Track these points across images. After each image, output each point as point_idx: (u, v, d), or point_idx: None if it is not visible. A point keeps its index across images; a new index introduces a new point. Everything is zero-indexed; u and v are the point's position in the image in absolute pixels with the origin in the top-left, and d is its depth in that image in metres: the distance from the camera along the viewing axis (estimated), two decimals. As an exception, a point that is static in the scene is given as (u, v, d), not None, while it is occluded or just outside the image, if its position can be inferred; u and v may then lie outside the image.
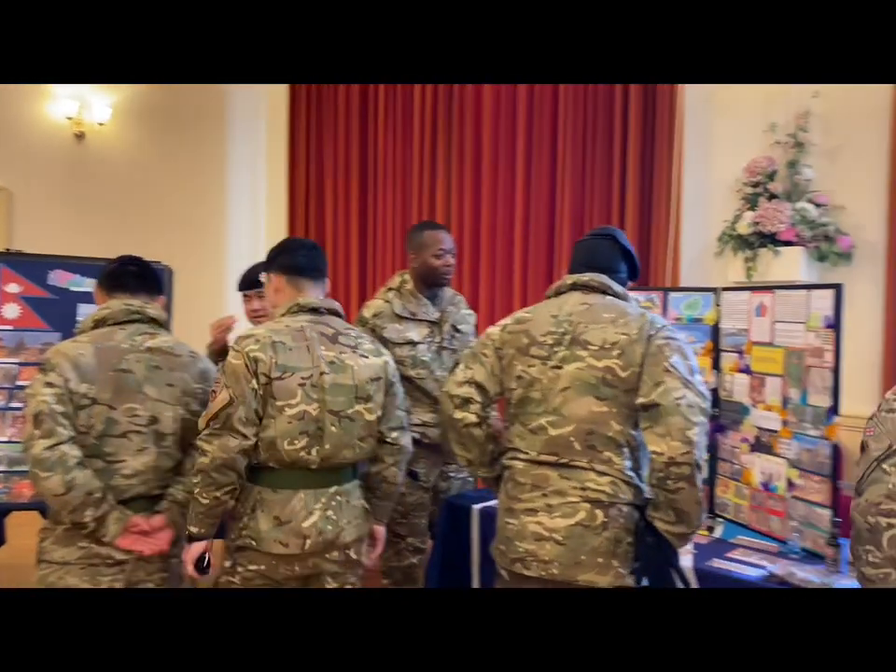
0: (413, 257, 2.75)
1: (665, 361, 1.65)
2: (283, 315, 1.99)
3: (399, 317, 2.71)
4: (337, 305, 2.07)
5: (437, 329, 2.78)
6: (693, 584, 2.02)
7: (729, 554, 2.27)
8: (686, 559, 2.18)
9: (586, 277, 1.85)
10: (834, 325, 2.25)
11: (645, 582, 1.67)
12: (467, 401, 1.85)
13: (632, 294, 2.76)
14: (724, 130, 3.62)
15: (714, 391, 2.71)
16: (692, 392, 1.63)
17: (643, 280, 3.60)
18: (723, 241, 3.47)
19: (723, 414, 2.68)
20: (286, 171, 5.27)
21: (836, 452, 2.24)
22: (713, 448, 2.71)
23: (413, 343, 2.71)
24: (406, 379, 2.74)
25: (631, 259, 1.92)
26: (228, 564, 1.93)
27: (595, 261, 1.87)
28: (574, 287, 1.86)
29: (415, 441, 2.75)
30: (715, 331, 2.71)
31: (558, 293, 1.88)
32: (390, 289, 2.78)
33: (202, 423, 1.87)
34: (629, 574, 1.69)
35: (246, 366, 1.85)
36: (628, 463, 1.73)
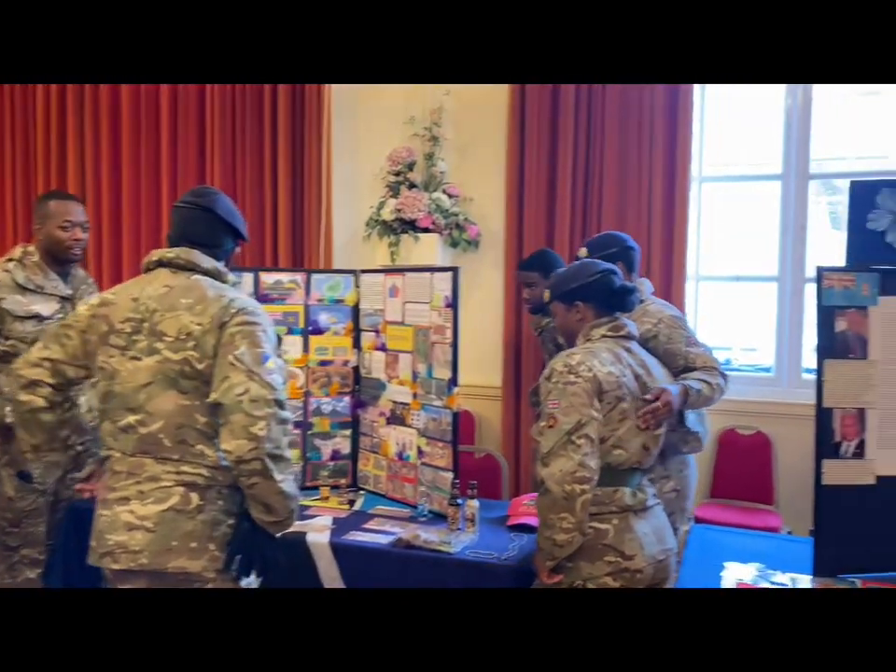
0: (38, 228, 2.52)
1: (231, 353, 1.59)
2: None
3: (24, 289, 2.46)
4: None
5: (69, 305, 2.54)
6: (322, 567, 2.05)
7: (365, 525, 2.38)
8: (323, 536, 2.24)
9: (172, 254, 1.73)
10: (453, 304, 2.47)
11: (236, 565, 1.63)
12: (35, 384, 1.70)
13: (276, 276, 2.77)
14: (370, 122, 3.76)
15: (356, 369, 2.83)
16: (256, 384, 1.56)
17: (297, 262, 3.61)
18: (370, 226, 3.61)
19: (364, 391, 2.80)
20: None
21: (456, 419, 2.47)
22: (355, 424, 2.82)
23: (39, 318, 2.47)
24: None
25: (233, 228, 1.81)
26: None
27: (190, 235, 1.76)
28: (161, 263, 1.74)
29: None
30: (355, 312, 2.82)
31: (147, 269, 1.76)
32: (11, 260, 2.51)
33: None
34: (225, 557, 1.63)
35: None
36: (221, 454, 1.64)
